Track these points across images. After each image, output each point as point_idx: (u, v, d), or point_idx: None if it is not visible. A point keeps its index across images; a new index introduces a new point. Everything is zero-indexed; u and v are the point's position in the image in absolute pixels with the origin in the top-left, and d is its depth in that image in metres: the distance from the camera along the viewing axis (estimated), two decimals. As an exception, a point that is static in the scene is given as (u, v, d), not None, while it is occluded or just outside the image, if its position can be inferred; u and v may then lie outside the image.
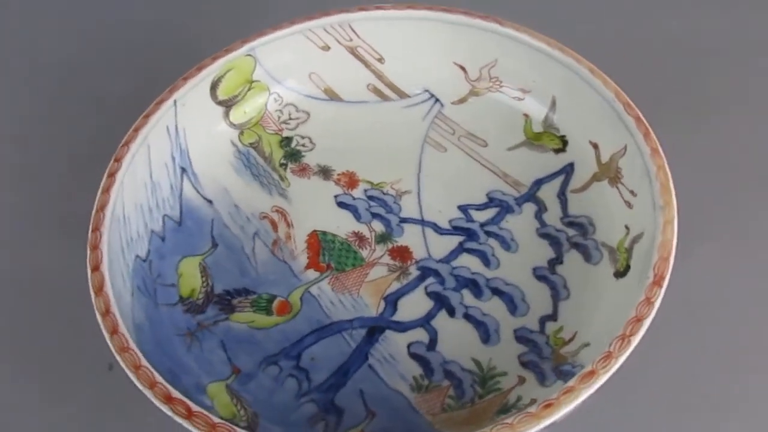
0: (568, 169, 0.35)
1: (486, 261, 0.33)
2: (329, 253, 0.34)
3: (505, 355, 0.30)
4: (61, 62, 0.45)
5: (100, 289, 0.27)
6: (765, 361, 0.31)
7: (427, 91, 0.39)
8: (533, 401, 0.26)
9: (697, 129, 0.39)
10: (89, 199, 0.30)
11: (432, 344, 0.30)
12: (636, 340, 0.25)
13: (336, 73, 0.39)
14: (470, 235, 0.34)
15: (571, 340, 0.29)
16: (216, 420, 0.23)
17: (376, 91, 0.39)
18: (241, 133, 0.38)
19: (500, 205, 0.35)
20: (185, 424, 0.23)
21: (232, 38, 0.36)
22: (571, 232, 0.33)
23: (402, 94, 0.39)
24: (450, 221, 0.34)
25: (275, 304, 0.32)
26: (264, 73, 0.38)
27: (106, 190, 0.30)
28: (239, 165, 0.37)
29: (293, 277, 0.33)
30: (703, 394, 0.31)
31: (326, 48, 0.38)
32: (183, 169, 0.35)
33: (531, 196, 0.35)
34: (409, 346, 0.30)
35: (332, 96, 0.39)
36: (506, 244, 0.33)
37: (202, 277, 0.33)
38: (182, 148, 0.35)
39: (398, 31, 0.38)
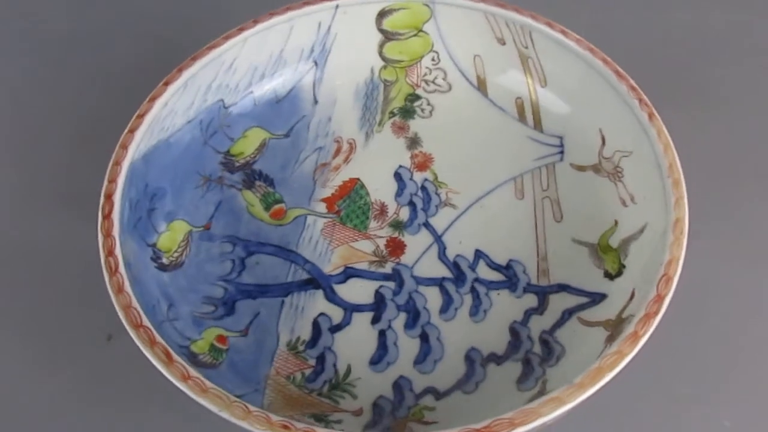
0: (596, 299, 0.31)
1: (445, 308, 0.32)
2: (348, 203, 0.35)
3: (372, 387, 0.29)
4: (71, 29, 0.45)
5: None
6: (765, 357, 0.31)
7: (561, 139, 0.36)
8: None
9: (703, 122, 0.38)
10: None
11: (334, 328, 0.31)
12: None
13: (497, 70, 0.38)
14: (458, 279, 0.32)
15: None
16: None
17: (520, 108, 0.37)
18: (384, 67, 0.39)
19: (509, 278, 0.32)
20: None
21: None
22: (537, 351, 0.30)
23: (538, 126, 0.37)
24: (457, 255, 0.33)
25: (276, 207, 0.35)
26: (435, 30, 0.38)
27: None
28: (361, 90, 0.39)
29: (306, 199, 0.35)
30: (700, 391, 0.31)
31: (501, 41, 0.37)
32: (315, 63, 0.38)
33: (544, 293, 0.32)
34: (319, 314, 0.31)
35: (481, 87, 0.38)
36: (476, 310, 0.32)
37: (257, 149, 0.37)
38: (325, 47, 0.38)
39: (572, 68, 0.35)
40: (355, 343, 0.30)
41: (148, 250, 0.31)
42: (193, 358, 0.28)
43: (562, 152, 0.36)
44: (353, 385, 0.29)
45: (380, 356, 0.30)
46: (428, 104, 0.39)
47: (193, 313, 0.31)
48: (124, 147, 0.31)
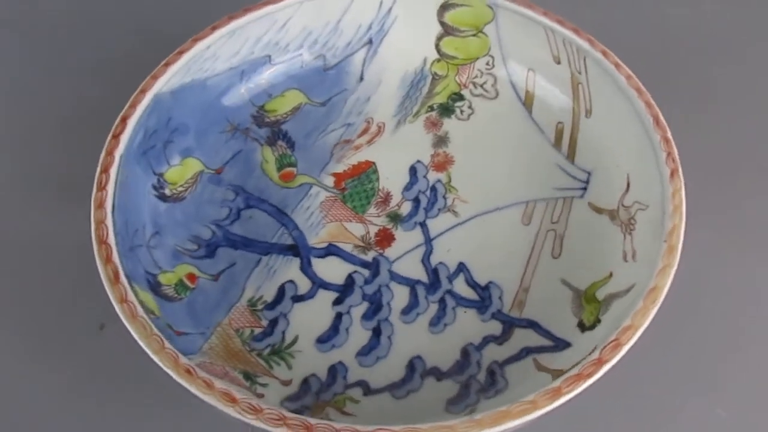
0: (560, 346, 0.29)
1: (408, 310, 0.31)
2: (356, 184, 0.35)
3: (309, 363, 0.30)
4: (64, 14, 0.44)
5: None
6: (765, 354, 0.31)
7: (589, 175, 0.34)
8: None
9: (702, 120, 0.38)
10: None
11: (297, 298, 0.32)
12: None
13: (547, 88, 0.36)
14: (432, 285, 0.32)
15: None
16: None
17: (559, 133, 0.36)
18: (438, 60, 0.39)
19: (482, 299, 0.31)
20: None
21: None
22: (480, 379, 0.29)
23: (571, 156, 0.35)
24: (440, 262, 0.33)
25: (288, 169, 0.36)
26: (494, 34, 0.37)
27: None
28: (408, 78, 0.39)
29: (318, 169, 0.36)
30: (695, 382, 0.31)
31: (557, 60, 0.36)
32: (370, 41, 0.39)
33: (511, 324, 0.31)
34: (288, 281, 0.32)
35: (527, 102, 0.37)
36: (437, 321, 0.31)
37: (290, 111, 0.38)
38: (383, 27, 0.38)
39: (617, 105, 0.33)
40: (310, 318, 0.31)
41: (153, 178, 0.33)
42: (156, 287, 0.30)
43: (585, 189, 0.34)
44: (293, 356, 0.30)
45: (328, 337, 0.30)
46: (469, 107, 0.38)
47: (176, 247, 0.32)
48: (155, 78, 0.33)
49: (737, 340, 0.32)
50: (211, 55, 0.35)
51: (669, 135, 0.30)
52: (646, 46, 0.42)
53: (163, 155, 0.34)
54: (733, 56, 0.42)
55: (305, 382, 0.29)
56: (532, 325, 0.30)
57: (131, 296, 0.26)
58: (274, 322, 0.31)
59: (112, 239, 0.28)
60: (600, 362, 0.24)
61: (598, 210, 0.33)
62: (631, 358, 0.25)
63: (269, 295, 0.32)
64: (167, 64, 0.33)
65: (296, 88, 0.38)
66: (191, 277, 0.32)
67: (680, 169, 0.29)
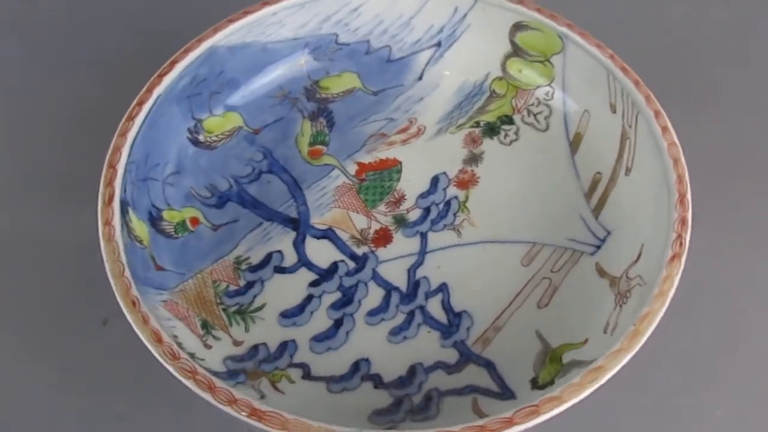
0: (504, 395, 0.28)
1: (375, 312, 0.31)
2: (376, 178, 0.36)
3: (265, 332, 0.31)
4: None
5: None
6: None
7: (607, 236, 0.32)
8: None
9: (705, 119, 0.38)
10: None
11: (279, 269, 0.32)
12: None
13: (596, 135, 0.35)
14: (407, 296, 0.32)
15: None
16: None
17: (593, 184, 0.34)
18: (500, 78, 0.38)
19: (450, 324, 0.31)
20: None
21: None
22: (416, 401, 0.29)
23: (597, 211, 0.33)
24: (424, 276, 0.32)
25: (318, 146, 0.37)
26: (560, 66, 0.36)
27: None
28: (466, 89, 0.38)
29: (345, 155, 0.36)
30: (692, 382, 0.31)
31: (613, 108, 0.34)
32: (439, 43, 0.38)
33: (468, 359, 0.30)
34: (277, 251, 0.33)
35: (573, 143, 0.36)
36: (398, 331, 0.31)
37: (343, 92, 0.38)
38: (455, 33, 0.38)
39: (654, 171, 0.31)
40: (283, 291, 0.32)
41: (191, 122, 0.35)
42: (157, 221, 0.32)
43: (598, 248, 0.32)
44: (254, 321, 0.31)
45: (293, 314, 0.31)
46: (515, 133, 0.37)
47: (191, 190, 0.34)
48: (215, 31, 0.35)
49: (737, 340, 0.32)
50: (277, 22, 0.36)
51: (688, 216, 0.28)
52: (648, 44, 0.41)
53: (207, 104, 0.36)
54: (736, 56, 0.41)
55: (255, 348, 0.30)
56: (489, 366, 0.30)
57: (116, 220, 0.28)
58: (250, 285, 0.32)
59: (121, 165, 0.30)
60: (508, 422, 0.23)
61: (602, 273, 0.31)
62: (631, 357, 0.25)
63: (256, 259, 0.33)
64: (230, 21, 0.35)
65: (354, 72, 0.38)
66: (194, 221, 0.33)
67: (684, 256, 0.26)
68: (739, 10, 0.43)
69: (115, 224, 0.28)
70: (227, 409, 0.23)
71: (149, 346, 0.25)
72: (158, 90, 0.33)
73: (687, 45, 0.42)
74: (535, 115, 0.37)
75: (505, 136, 0.37)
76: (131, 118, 0.31)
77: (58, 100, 0.39)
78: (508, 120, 0.37)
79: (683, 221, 0.27)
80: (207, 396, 0.24)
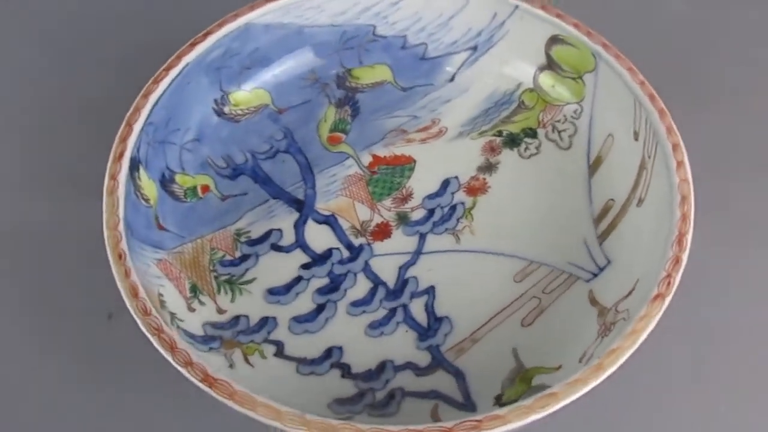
0: (466, 407, 0.28)
1: (358, 304, 0.32)
2: (387, 173, 0.36)
3: (250, 305, 0.32)
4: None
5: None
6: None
7: (607, 265, 0.32)
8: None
9: (706, 116, 0.38)
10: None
11: (276, 247, 0.33)
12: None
13: (616, 161, 0.34)
14: (392, 293, 0.32)
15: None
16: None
17: (604, 211, 0.33)
18: (531, 89, 0.37)
19: (429, 328, 0.31)
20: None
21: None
22: (379, 397, 0.29)
23: (602, 238, 0.33)
24: (413, 276, 0.32)
25: (337, 133, 0.37)
26: (592, 85, 0.35)
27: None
28: (495, 96, 0.38)
29: (362, 145, 0.36)
30: (696, 377, 0.31)
31: (636, 136, 0.33)
32: (475, 47, 0.38)
33: (438, 365, 0.30)
34: (277, 229, 0.34)
35: (593, 166, 0.35)
36: (377, 326, 0.31)
37: (373, 84, 0.39)
38: (492, 38, 0.38)
39: (664, 201, 0.30)
40: (275, 268, 0.32)
41: (218, 93, 0.36)
42: (168, 183, 0.33)
43: (595, 276, 0.31)
44: (241, 293, 0.32)
45: (278, 292, 0.32)
46: (537, 148, 0.36)
47: (208, 158, 0.35)
48: (252, 8, 0.36)
49: (739, 336, 0.32)
50: (316, 6, 0.37)
51: (683, 256, 0.27)
52: (650, 42, 0.41)
53: (237, 78, 0.37)
54: (737, 54, 0.41)
55: (236, 318, 0.31)
56: (458, 375, 0.29)
57: (122, 176, 0.30)
58: (245, 257, 0.33)
59: (138, 125, 0.31)
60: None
61: (594, 302, 0.30)
62: (630, 357, 0.25)
63: (255, 233, 0.34)
64: (268, 0, 0.36)
65: (387, 65, 0.39)
66: (205, 188, 0.35)
67: (669, 298, 0.25)
68: (742, 8, 0.43)
69: (121, 180, 0.30)
70: (183, 371, 0.24)
71: (125, 299, 0.26)
72: (187, 58, 0.34)
73: (689, 41, 0.42)
74: (559, 132, 0.36)
75: (526, 149, 0.36)
76: (156, 82, 0.33)
77: (67, 95, 0.39)
78: (532, 133, 0.36)
79: (677, 261, 0.26)
80: (167, 355, 0.25)
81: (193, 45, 0.34)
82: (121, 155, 0.30)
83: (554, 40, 0.36)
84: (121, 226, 0.28)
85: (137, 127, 0.31)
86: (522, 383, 0.28)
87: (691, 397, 0.30)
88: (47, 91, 0.40)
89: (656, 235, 0.29)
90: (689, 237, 0.27)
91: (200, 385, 0.24)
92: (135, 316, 0.26)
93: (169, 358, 0.25)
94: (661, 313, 0.25)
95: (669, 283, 0.26)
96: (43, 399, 0.30)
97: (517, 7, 0.36)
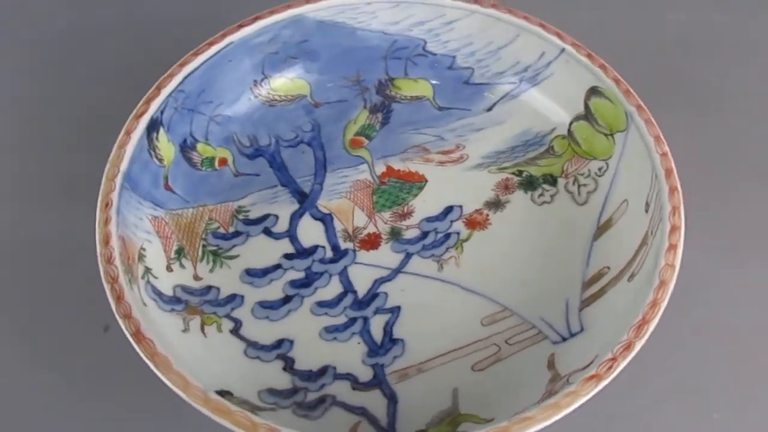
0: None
1: (323, 305, 0.32)
2: (395, 187, 0.36)
3: (224, 280, 0.33)
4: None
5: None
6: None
7: (580, 332, 0.30)
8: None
9: (698, 123, 0.39)
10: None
11: (267, 231, 0.34)
12: None
13: (625, 229, 0.32)
14: (358, 303, 0.32)
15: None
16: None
17: (594, 278, 0.32)
18: (563, 137, 0.36)
19: (381, 347, 0.31)
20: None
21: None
22: (311, 399, 0.30)
23: (584, 306, 0.31)
24: (384, 291, 0.32)
25: (361, 138, 0.38)
26: (621, 145, 0.34)
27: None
28: (527, 135, 0.37)
29: (379, 154, 0.37)
30: (689, 384, 0.32)
31: (647, 207, 0.31)
32: (519, 83, 0.37)
33: (377, 384, 0.30)
34: (275, 215, 0.35)
35: (600, 228, 0.33)
36: (332, 330, 0.31)
37: (411, 97, 0.39)
38: (537, 77, 0.37)
39: (647, 282, 0.28)
40: (260, 252, 0.34)
41: (259, 75, 0.38)
42: (189, 149, 0.35)
43: (564, 341, 0.30)
44: (221, 266, 0.33)
45: (255, 274, 0.33)
46: (552, 197, 0.35)
47: (234, 134, 0.37)
48: (307, 1, 0.37)
49: (732, 343, 0.32)
50: (370, 12, 0.38)
51: (637, 344, 0.25)
52: (643, 50, 0.42)
53: (280, 65, 0.38)
54: (729, 61, 0.42)
55: (208, 288, 0.32)
56: (392, 399, 0.29)
57: (137, 133, 0.32)
58: (237, 234, 0.34)
59: (167, 90, 0.33)
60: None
61: (551, 366, 0.29)
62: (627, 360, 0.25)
63: (254, 214, 0.35)
64: (324, -3, 0.37)
65: (430, 82, 0.39)
66: (223, 161, 0.36)
67: (605, 381, 0.24)
68: (736, 15, 0.43)
69: (134, 137, 0.32)
70: (120, 321, 0.26)
71: (96, 244, 0.28)
72: (231, 37, 0.35)
73: (678, 47, 0.42)
74: (579, 186, 0.35)
75: (540, 195, 0.35)
76: (196, 54, 0.35)
77: (66, 103, 0.39)
78: (552, 180, 0.35)
79: (628, 347, 0.25)
80: (113, 303, 0.26)
81: (241, 26, 0.36)
82: (141, 114, 0.32)
83: (594, 91, 0.34)
84: (119, 178, 0.30)
85: (165, 92, 0.33)
86: (448, 426, 0.28)
87: (684, 405, 0.30)
88: (42, 100, 0.40)
89: (626, 314, 0.27)
90: (652, 325, 0.25)
91: (130, 339, 0.26)
92: (99, 262, 0.28)
93: (113, 306, 0.26)
94: (591, 394, 0.24)
95: (610, 368, 0.24)
96: (39, 411, 0.30)
97: (563, 50, 0.35)
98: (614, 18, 0.43)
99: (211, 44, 0.35)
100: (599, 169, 0.34)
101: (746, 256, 0.34)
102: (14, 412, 0.30)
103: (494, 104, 0.38)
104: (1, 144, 0.38)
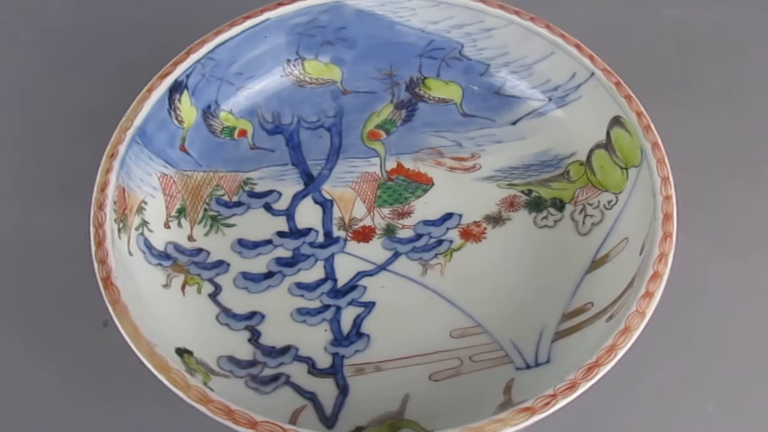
0: (328, 423, 0.28)
1: (302, 287, 0.33)
2: (400, 185, 0.36)
3: (215, 245, 0.34)
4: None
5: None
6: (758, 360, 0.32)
7: (545, 364, 0.29)
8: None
9: (692, 118, 0.39)
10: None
11: (268, 207, 0.35)
12: None
13: (619, 267, 0.31)
14: (335, 292, 0.32)
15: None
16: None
17: (577, 311, 0.31)
18: (581, 163, 0.35)
19: (345, 339, 0.31)
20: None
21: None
22: (267, 373, 0.30)
23: (558, 339, 0.30)
24: (364, 285, 0.33)
25: (380, 131, 0.38)
26: (633, 180, 0.32)
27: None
28: (545, 155, 0.36)
29: (394, 150, 0.37)
30: (683, 377, 0.32)
31: (642, 250, 0.30)
32: (548, 101, 0.36)
33: (334, 372, 0.30)
34: (280, 192, 0.35)
35: (596, 263, 0.32)
36: (304, 312, 0.32)
37: (439, 99, 0.39)
38: (566, 98, 0.36)
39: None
40: (257, 225, 0.34)
41: (293, 55, 0.38)
42: (211, 115, 0.37)
43: (528, 368, 0.29)
44: (216, 231, 0.34)
45: (246, 246, 0.34)
46: (555, 222, 0.34)
47: (258, 108, 0.38)
48: (352, -8, 0.37)
49: (725, 338, 0.32)
50: (410, 8, 0.37)
51: (580, 386, 0.24)
52: (639, 47, 0.41)
53: (316, 48, 0.39)
54: (725, 58, 0.41)
55: (199, 250, 0.34)
56: (344, 391, 0.29)
57: (159, 92, 0.33)
58: (239, 204, 0.35)
59: (196, 56, 0.35)
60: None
61: (507, 390, 0.28)
62: (622, 358, 0.26)
63: (259, 189, 0.36)
64: (369, -12, 0.37)
65: (461, 86, 0.38)
66: (242, 132, 0.37)
67: (537, 416, 0.23)
68: (732, 12, 0.43)
69: (154, 95, 0.33)
70: (95, 265, 0.27)
71: (94, 191, 0.30)
72: (270, 14, 0.36)
73: (673, 43, 0.42)
74: (585, 216, 0.33)
75: (544, 218, 0.34)
76: (232, 25, 0.36)
77: (62, 103, 0.39)
78: (560, 206, 0.34)
79: (571, 387, 0.24)
80: (93, 246, 0.28)
81: (280, 5, 0.37)
82: (166, 75, 0.34)
83: (617, 120, 0.33)
84: (131, 131, 0.32)
85: (194, 57, 0.35)
86: (388, 428, 0.28)
87: (678, 397, 0.30)
88: (43, 98, 0.40)
89: (586, 354, 0.26)
90: (603, 371, 0.24)
91: (99, 283, 0.27)
92: (91, 207, 0.29)
93: (92, 250, 0.28)
94: (519, 426, 0.23)
95: (548, 403, 0.23)
96: (37, 406, 0.31)
97: (593, 74, 0.33)
98: (610, 14, 0.43)
99: (247, 17, 0.36)
100: (608, 202, 0.33)
101: (741, 250, 0.34)
102: (14, 407, 0.31)
103: (520, 119, 0.37)
104: (0, 144, 0.38)
